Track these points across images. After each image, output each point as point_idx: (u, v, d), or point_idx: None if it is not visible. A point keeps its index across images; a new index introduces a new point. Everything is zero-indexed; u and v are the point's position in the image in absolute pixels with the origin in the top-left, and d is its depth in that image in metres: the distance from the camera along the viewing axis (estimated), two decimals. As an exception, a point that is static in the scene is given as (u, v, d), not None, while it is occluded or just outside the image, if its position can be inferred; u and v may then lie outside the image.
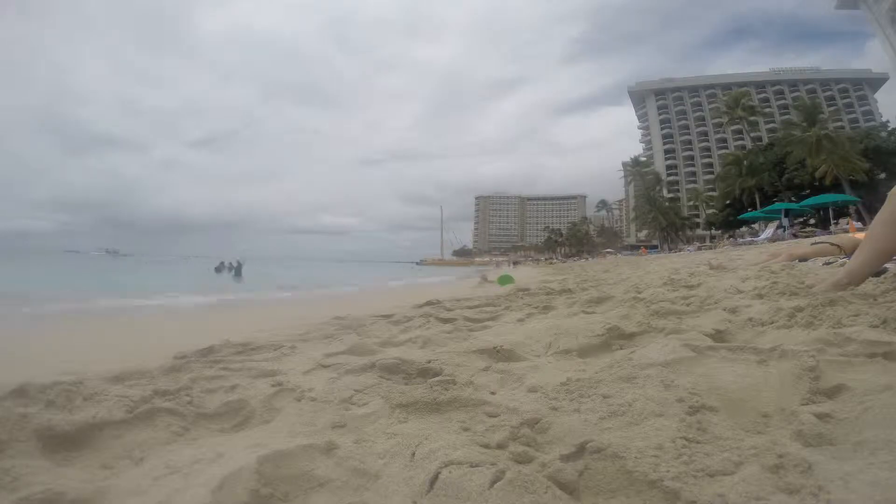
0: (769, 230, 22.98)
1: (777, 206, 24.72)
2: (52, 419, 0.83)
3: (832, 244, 2.94)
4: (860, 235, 2.65)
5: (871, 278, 1.59)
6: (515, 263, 23.57)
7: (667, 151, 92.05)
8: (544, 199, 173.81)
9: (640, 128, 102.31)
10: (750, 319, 1.42)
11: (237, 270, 22.45)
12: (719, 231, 46.40)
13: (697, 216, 62.68)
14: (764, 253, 4.20)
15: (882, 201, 1.57)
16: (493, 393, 1.01)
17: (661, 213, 53.44)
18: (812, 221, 26.26)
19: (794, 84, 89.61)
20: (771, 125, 71.20)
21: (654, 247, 55.46)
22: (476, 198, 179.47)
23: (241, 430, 0.94)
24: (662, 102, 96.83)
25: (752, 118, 41.23)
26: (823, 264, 2.59)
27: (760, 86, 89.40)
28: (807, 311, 1.31)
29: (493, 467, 0.63)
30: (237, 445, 0.80)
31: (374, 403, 0.97)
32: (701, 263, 4.49)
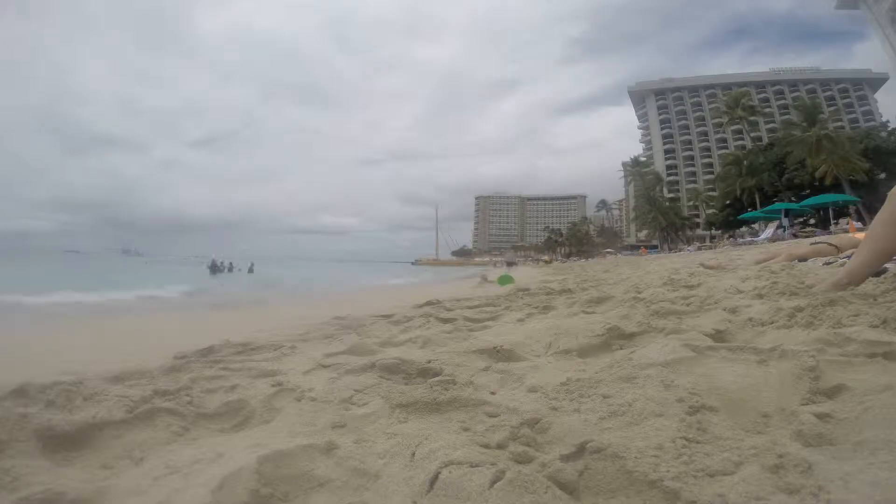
0: (769, 230, 22.97)
1: (777, 206, 24.72)
2: (52, 419, 0.83)
3: (830, 244, 2.95)
4: (860, 235, 2.65)
5: (871, 278, 1.59)
6: (510, 264, 23.37)
7: (667, 151, 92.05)
8: (544, 199, 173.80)
9: (640, 128, 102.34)
10: (750, 319, 1.42)
11: (250, 268, 25.57)
12: (719, 231, 46.41)
13: (697, 216, 62.68)
14: (762, 253, 4.20)
15: (882, 201, 1.57)
16: (493, 393, 1.01)
17: (661, 213, 53.45)
18: (812, 221, 26.26)
19: (794, 84, 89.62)
20: (771, 125, 71.21)
21: (654, 247, 55.47)
22: (476, 198, 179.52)
23: (241, 430, 0.94)
24: (662, 102, 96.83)
25: (752, 118, 41.23)
26: (823, 264, 2.59)
27: (760, 86, 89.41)
28: (807, 311, 1.31)
29: (493, 467, 0.63)
30: (237, 445, 0.80)
31: (374, 403, 0.97)
32: (700, 263, 4.49)
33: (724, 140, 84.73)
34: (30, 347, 2.61)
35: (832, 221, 24.14)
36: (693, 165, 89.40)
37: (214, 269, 23.52)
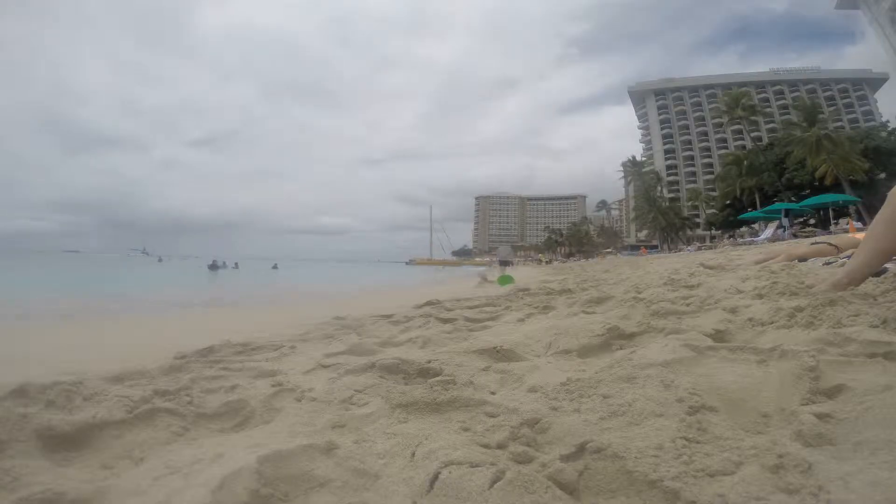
0: (769, 230, 22.96)
1: (777, 206, 24.72)
2: (52, 419, 0.83)
3: (830, 244, 2.94)
4: (860, 235, 2.65)
5: (871, 278, 1.58)
6: (504, 264, 16.85)
7: (667, 151, 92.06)
8: (544, 199, 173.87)
9: (640, 128, 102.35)
10: (750, 319, 1.42)
11: (274, 266, 27.87)
12: (719, 231, 46.43)
13: (697, 216, 62.70)
14: (762, 253, 4.19)
15: (882, 201, 1.57)
16: (493, 393, 1.01)
17: (661, 213, 53.49)
18: (812, 221, 26.27)
19: (794, 84, 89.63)
20: (771, 125, 71.21)
21: (654, 247, 55.50)
22: (476, 198, 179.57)
23: (241, 430, 0.94)
24: (662, 102, 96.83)
25: (752, 118, 41.24)
26: (823, 264, 2.59)
27: (760, 86, 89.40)
28: (807, 311, 1.31)
29: (493, 467, 0.63)
30: (237, 445, 0.80)
31: (374, 403, 0.97)
32: (700, 263, 4.49)
33: (724, 140, 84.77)
34: (30, 347, 2.61)
35: (832, 221, 24.15)
36: (693, 165, 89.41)
37: (214, 267, 23.66)
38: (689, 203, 64.00)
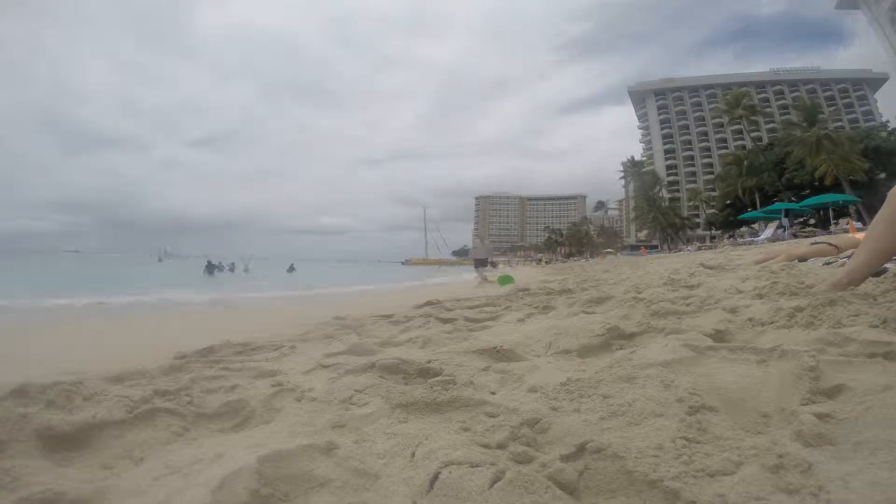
0: (769, 230, 22.97)
1: (777, 206, 24.73)
2: (52, 419, 0.83)
3: (830, 244, 2.94)
4: (860, 235, 2.65)
5: (871, 278, 1.58)
6: (481, 264, 12.27)
7: (667, 151, 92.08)
8: (544, 199, 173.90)
9: (640, 128, 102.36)
10: (750, 319, 1.42)
11: (290, 268, 27.78)
12: (719, 231, 46.45)
13: (697, 216, 62.71)
14: (762, 253, 4.19)
15: (882, 201, 1.57)
16: (493, 393, 1.01)
17: (661, 213, 53.52)
18: (812, 221, 26.27)
19: (794, 84, 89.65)
20: (771, 125, 71.24)
21: (654, 247, 55.51)
22: (476, 198, 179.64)
23: (241, 430, 0.94)
24: (662, 102, 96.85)
25: (752, 118, 41.25)
26: (823, 264, 2.59)
27: (760, 86, 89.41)
28: (807, 311, 1.31)
29: (493, 467, 0.63)
30: (237, 445, 0.80)
31: (374, 403, 0.97)
32: (701, 263, 4.49)
33: (724, 140, 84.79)
34: (30, 347, 2.61)
35: (832, 221, 24.16)
36: (693, 165, 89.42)
37: (211, 269, 23.46)
38: (689, 203, 64.05)
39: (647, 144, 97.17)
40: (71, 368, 1.29)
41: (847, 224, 19.83)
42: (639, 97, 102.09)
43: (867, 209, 27.30)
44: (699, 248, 29.66)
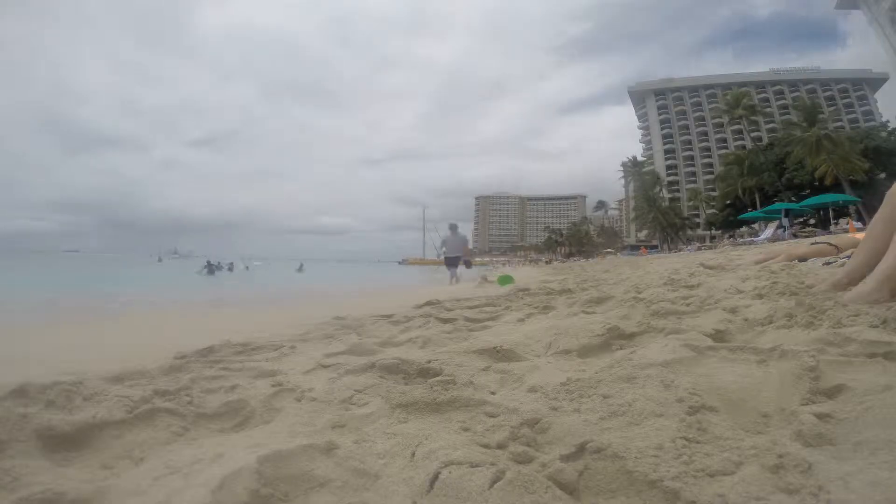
0: (769, 230, 22.96)
1: (777, 206, 24.72)
2: (52, 419, 0.83)
3: (830, 244, 2.94)
4: (860, 235, 2.65)
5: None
6: (452, 264, 10.75)
7: (667, 151, 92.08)
8: (544, 199, 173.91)
9: (640, 128, 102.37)
10: (750, 320, 1.42)
11: (300, 268, 28.08)
12: (719, 231, 46.46)
13: (697, 216, 62.72)
14: (762, 253, 4.19)
15: (882, 201, 1.57)
16: (493, 393, 1.01)
17: (661, 213, 53.54)
18: (812, 221, 26.28)
19: (794, 84, 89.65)
20: (771, 125, 71.26)
21: (655, 247, 55.52)
22: (476, 198, 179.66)
23: (241, 430, 0.94)
24: (662, 102, 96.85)
25: (752, 118, 41.26)
26: (823, 264, 2.59)
27: (760, 86, 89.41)
28: (807, 310, 1.31)
29: (493, 467, 0.63)
30: (237, 445, 0.80)
31: (374, 403, 0.97)
32: (701, 263, 4.49)
33: (724, 140, 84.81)
34: (30, 347, 2.61)
35: (832, 221, 24.16)
36: (693, 165, 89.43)
37: (211, 268, 23.39)
38: (689, 203, 64.06)
39: (647, 144, 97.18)
40: (71, 368, 1.29)
41: (847, 224, 19.83)
42: (639, 97, 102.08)
43: (867, 209, 27.30)
44: (699, 248, 29.67)
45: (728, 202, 43.42)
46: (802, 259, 2.97)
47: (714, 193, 54.09)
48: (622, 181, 72.76)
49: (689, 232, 58.54)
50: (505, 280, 8.01)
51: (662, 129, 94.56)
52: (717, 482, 0.57)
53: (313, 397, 1.04)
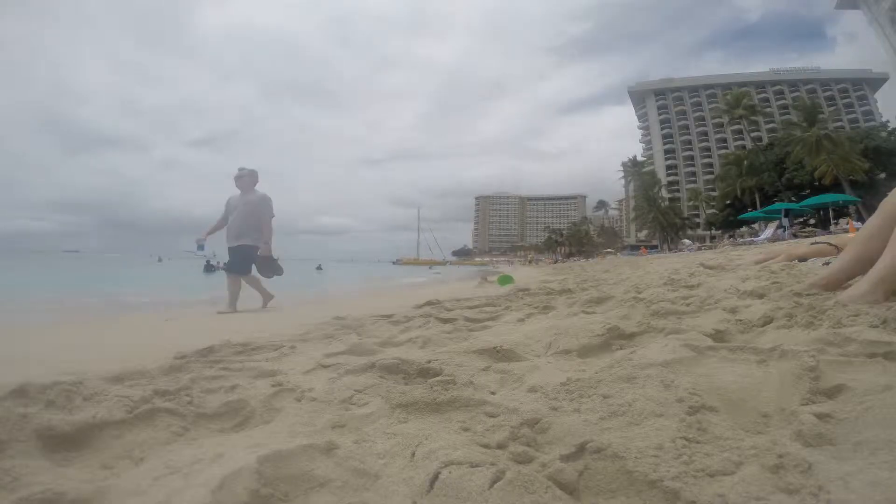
0: (769, 230, 22.98)
1: (777, 206, 24.74)
2: (52, 419, 0.83)
3: (830, 244, 2.94)
4: (859, 236, 2.65)
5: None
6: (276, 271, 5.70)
7: (667, 151, 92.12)
8: (544, 199, 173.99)
9: (640, 128, 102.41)
10: (749, 319, 1.42)
11: (318, 267, 29.65)
12: (719, 231, 46.47)
13: (697, 216, 62.74)
14: (762, 253, 4.19)
15: (882, 200, 1.57)
16: (493, 393, 1.01)
17: (661, 213, 53.57)
18: (812, 221, 26.29)
19: (794, 84, 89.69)
20: (771, 125, 71.28)
21: (654, 247, 55.54)
22: (476, 198, 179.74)
23: (241, 430, 0.94)
24: (662, 102, 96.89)
25: (752, 118, 41.26)
26: (823, 264, 2.59)
27: (760, 86, 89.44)
28: (807, 310, 1.31)
29: (493, 467, 0.63)
30: (237, 445, 0.80)
31: (374, 403, 0.97)
32: (700, 263, 4.49)
33: (724, 140, 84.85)
34: (30, 347, 2.61)
35: (832, 221, 24.18)
36: (693, 165, 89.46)
37: (210, 268, 23.40)
38: (689, 203, 64.07)
39: (647, 144, 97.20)
40: (71, 368, 1.29)
41: (847, 224, 19.82)
42: (639, 97, 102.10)
43: (867, 209, 27.29)
44: (699, 248, 29.66)
45: (728, 202, 43.44)
46: (802, 259, 2.96)
47: (714, 193, 54.13)
48: (622, 181, 72.73)
49: (690, 232, 58.56)
50: (505, 280, 8.02)
51: (662, 129, 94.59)
52: (717, 482, 0.57)
53: (313, 397, 1.04)
